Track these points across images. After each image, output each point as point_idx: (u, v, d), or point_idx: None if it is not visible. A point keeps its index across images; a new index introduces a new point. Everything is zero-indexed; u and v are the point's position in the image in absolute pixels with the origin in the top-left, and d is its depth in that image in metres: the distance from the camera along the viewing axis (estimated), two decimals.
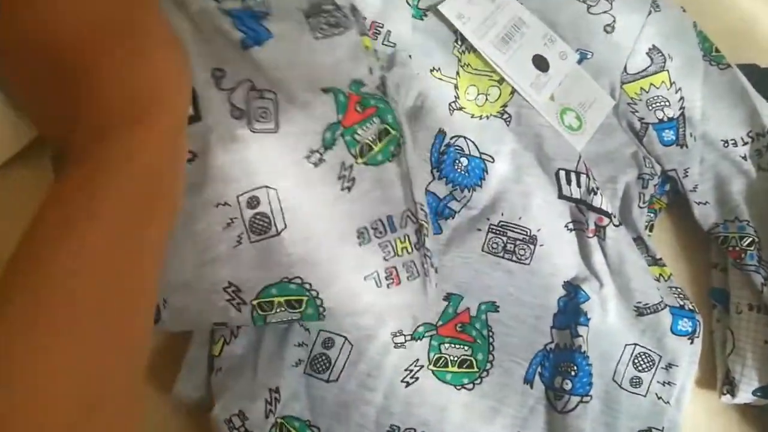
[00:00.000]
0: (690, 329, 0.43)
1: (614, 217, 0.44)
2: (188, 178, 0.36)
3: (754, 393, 0.42)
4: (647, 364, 0.44)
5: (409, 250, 0.39)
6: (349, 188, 0.38)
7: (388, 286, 0.39)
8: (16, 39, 0.29)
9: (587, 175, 0.44)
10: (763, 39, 0.55)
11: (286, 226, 0.37)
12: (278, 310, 0.38)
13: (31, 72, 0.29)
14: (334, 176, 0.38)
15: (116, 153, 0.27)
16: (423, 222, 0.38)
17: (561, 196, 0.45)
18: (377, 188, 0.38)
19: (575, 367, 0.42)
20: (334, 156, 0.38)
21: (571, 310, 0.44)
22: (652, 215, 0.47)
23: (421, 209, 0.38)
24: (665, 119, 0.47)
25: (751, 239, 0.44)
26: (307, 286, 0.38)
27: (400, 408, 0.41)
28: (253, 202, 0.37)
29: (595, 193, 0.44)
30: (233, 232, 0.37)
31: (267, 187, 0.37)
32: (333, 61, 0.39)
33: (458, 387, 0.42)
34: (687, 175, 0.46)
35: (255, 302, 0.37)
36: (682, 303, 0.44)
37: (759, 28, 0.56)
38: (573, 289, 0.44)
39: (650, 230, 0.47)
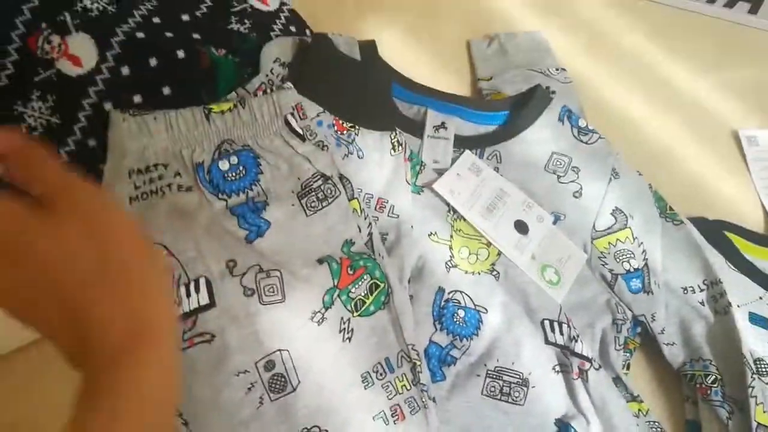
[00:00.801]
0: None
1: (594, 361, 0.50)
2: (209, 356, 0.43)
3: None
4: None
5: (408, 387, 0.45)
6: (349, 339, 0.45)
7: (395, 422, 0.45)
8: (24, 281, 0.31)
9: (568, 325, 0.51)
10: (709, 196, 0.64)
11: (300, 382, 0.44)
12: None
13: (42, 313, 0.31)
14: (335, 331, 0.46)
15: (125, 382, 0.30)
16: (416, 360, 0.45)
17: (547, 342, 0.51)
18: (373, 336, 0.46)
19: None
20: (333, 314, 0.46)
21: None
22: (627, 355, 0.53)
23: (413, 349, 0.45)
24: (632, 270, 0.54)
25: (714, 377, 0.50)
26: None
27: None
28: (270, 365, 0.44)
29: (576, 341, 0.50)
30: (255, 395, 0.43)
31: (280, 350, 0.44)
32: (325, 228, 0.48)
33: None
34: (654, 320, 0.53)
35: None
36: None
37: (705, 185, 0.64)
38: (564, 426, 0.49)
39: (627, 369, 0.53)
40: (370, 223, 0.49)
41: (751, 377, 0.48)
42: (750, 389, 0.47)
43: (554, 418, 0.50)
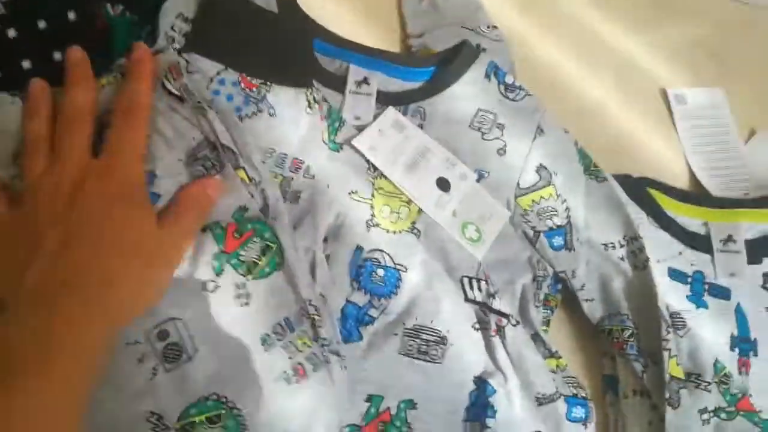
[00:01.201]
0: (583, 415, 0.49)
1: (512, 317, 0.50)
2: None
3: None
4: None
5: (309, 344, 0.44)
6: (247, 303, 0.44)
7: (297, 381, 0.43)
8: None
9: (486, 281, 0.50)
10: (637, 153, 0.64)
11: (197, 350, 0.42)
12: (200, 430, 0.42)
13: None
14: (230, 297, 0.44)
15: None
16: (314, 315, 0.44)
17: (467, 299, 0.51)
18: (272, 297, 0.44)
19: None
20: (226, 280, 0.44)
21: (480, 404, 0.49)
22: (548, 312, 0.53)
23: (310, 304, 0.44)
24: (554, 227, 0.54)
25: (630, 331, 0.50)
26: (224, 400, 0.42)
27: None
28: (163, 335, 0.42)
29: (494, 297, 0.50)
30: (147, 365, 0.42)
31: (173, 318, 0.42)
32: None
33: None
34: (575, 276, 0.53)
35: (177, 425, 0.41)
36: (575, 392, 0.50)
37: (633, 143, 0.64)
38: (482, 384, 0.49)
39: (547, 325, 0.53)
40: (262, 189, 0.47)
41: (666, 330, 0.48)
42: (664, 342, 0.48)
43: (473, 375, 0.50)
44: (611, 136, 0.65)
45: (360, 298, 0.50)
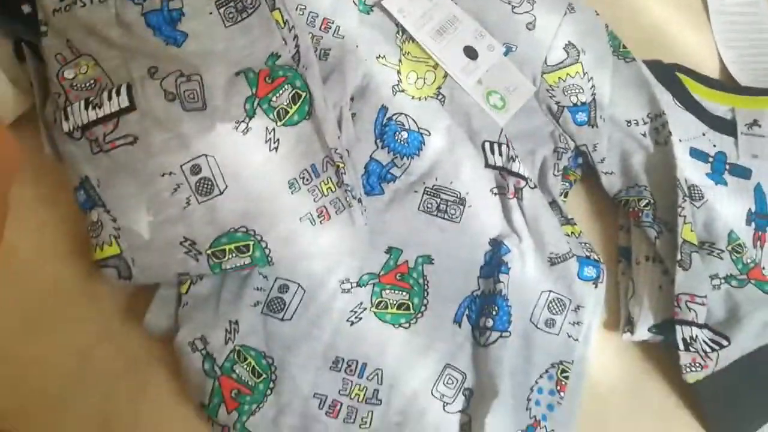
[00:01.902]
0: (594, 275, 0.50)
1: (530, 180, 0.51)
2: (132, 157, 0.44)
3: (649, 330, 0.49)
4: (559, 308, 0.50)
5: (333, 189, 0.46)
6: (276, 148, 0.46)
7: (321, 222, 0.46)
8: None
9: (507, 146, 0.51)
10: (669, 43, 0.63)
11: (227, 186, 0.44)
12: (230, 257, 0.45)
13: None
14: (261, 140, 0.45)
15: None
16: (339, 163, 0.46)
17: (487, 165, 0.52)
18: (299, 144, 0.46)
19: (497, 308, 0.49)
20: (257, 123, 0.45)
21: (494, 263, 0.50)
22: (567, 185, 0.54)
23: (335, 152, 0.46)
24: (579, 103, 0.55)
25: (647, 201, 0.51)
26: (252, 233, 0.45)
27: (345, 343, 0.48)
28: (196, 169, 0.45)
29: (514, 160, 0.51)
30: (181, 195, 0.44)
31: (205, 155, 0.44)
32: (248, 41, 0.47)
33: (396, 326, 0.48)
34: (596, 150, 0.53)
35: (209, 251, 0.44)
36: (588, 254, 0.51)
37: (667, 31, 0.64)
38: (497, 245, 0.51)
39: (565, 196, 0.54)
40: (296, 36, 0.48)
41: (683, 199, 0.49)
42: (680, 209, 0.49)
43: (488, 237, 0.51)
44: (646, 26, 0.64)
45: (383, 156, 0.51)
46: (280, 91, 0.47)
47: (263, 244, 0.45)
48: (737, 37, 0.63)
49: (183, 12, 0.46)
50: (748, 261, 0.48)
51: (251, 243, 0.45)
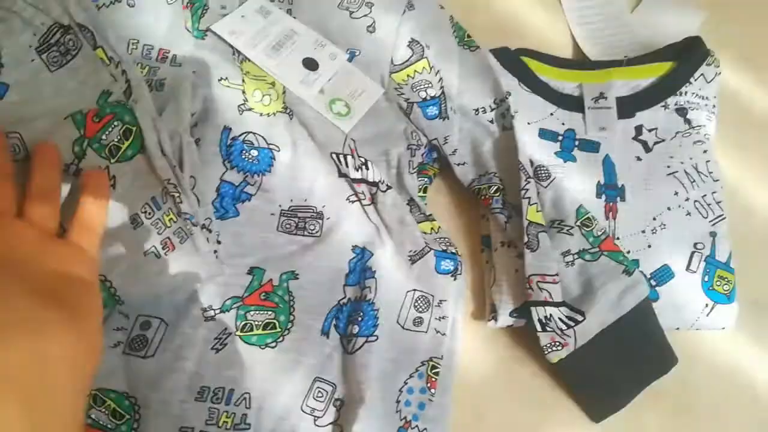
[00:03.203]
0: (452, 268, 0.51)
1: (382, 183, 0.51)
2: None
3: (511, 315, 0.49)
4: (425, 305, 0.51)
5: (174, 219, 0.46)
6: (113, 185, 0.45)
7: (166, 254, 0.45)
8: None
9: (352, 155, 0.51)
10: (522, 24, 0.64)
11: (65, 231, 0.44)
12: None
13: None
14: None
15: None
16: (174, 193, 0.45)
17: (340, 174, 0.52)
18: (137, 179, 0.46)
19: (362, 314, 0.49)
20: (88, 164, 0.45)
21: (360, 269, 0.51)
22: (426, 180, 0.55)
23: (169, 183, 0.45)
24: (429, 98, 0.55)
25: (496, 187, 0.51)
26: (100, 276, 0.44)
27: (210, 372, 0.47)
28: None
29: (362, 168, 0.51)
30: None
31: None
32: (77, 82, 0.46)
33: (263, 347, 0.48)
34: (447, 142, 0.54)
35: None
36: (445, 248, 0.51)
37: (520, 15, 0.65)
38: (360, 251, 0.51)
39: (424, 192, 0.54)
40: (124, 71, 0.48)
41: (526, 180, 0.49)
42: (524, 191, 0.49)
43: (351, 245, 0.51)
44: (499, 12, 0.65)
45: (234, 177, 0.51)
46: (110, 129, 0.46)
47: (107, 284, 0.45)
48: (588, 13, 0.65)
49: (1, 63, 0.46)
50: (599, 233, 0.49)
51: None
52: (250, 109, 0.53)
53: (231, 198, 0.51)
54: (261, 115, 0.53)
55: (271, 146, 0.52)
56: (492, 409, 0.49)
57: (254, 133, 0.52)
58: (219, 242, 0.49)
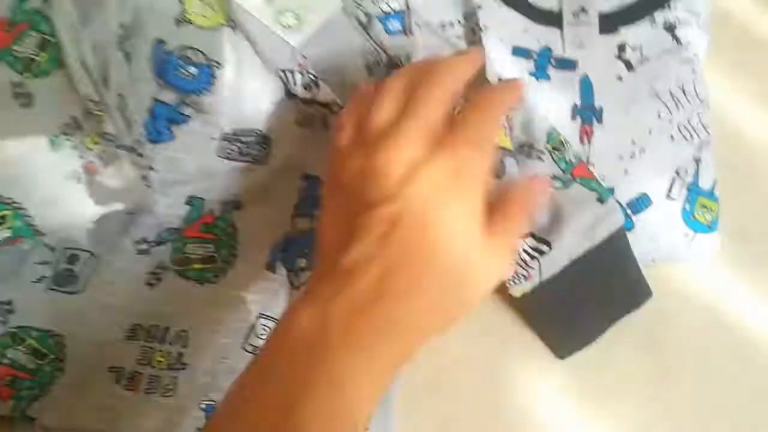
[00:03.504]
0: None
1: (335, 105, 0.46)
2: None
3: None
4: None
5: (98, 141, 0.41)
6: (27, 104, 0.40)
7: (88, 179, 0.41)
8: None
9: (301, 72, 0.46)
10: None
11: None
12: None
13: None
14: (7, 97, 0.40)
15: None
16: (96, 111, 0.40)
17: (289, 94, 0.47)
18: (56, 96, 0.41)
19: (310, 246, 0.45)
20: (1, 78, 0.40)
21: (310, 199, 0.46)
22: None
23: (90, 100, 0.40)
24: (391, 11, 0.49)
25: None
26: (9, 201, 0.40)
27: (144, 309, 0.43)
28: None
29: (312, 87, 0.45)
30: None
31: None
32: None
33: (202, 282, 0.44)
34: (409, 61, 0.48)
35: None
36: None
37: None
38: (311, 179, 0.47)
39: None
40: None
41: None
42: None
43: (302, 172, 0.47)
44: None
45: (170, 96, 0.46)
46: (24, 39, 0.41)
47: (22, 212, 0.40)
48: None
49: None
50: (572, 158, 0.45)
51: (8, 213, 0.40)
52: (188, 21, 0.47)
53: (165, 119, 0.46)
54: (202, 28, 0.47)
55: (211, 62, 0.47)
56: (455, 345, 0.46)
57: (193, 48, 0.47)
58: (151, 168, 0.44)
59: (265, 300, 0.44)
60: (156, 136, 0.45)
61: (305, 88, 0.46)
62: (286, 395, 0.28)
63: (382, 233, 0.30)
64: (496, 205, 0.33)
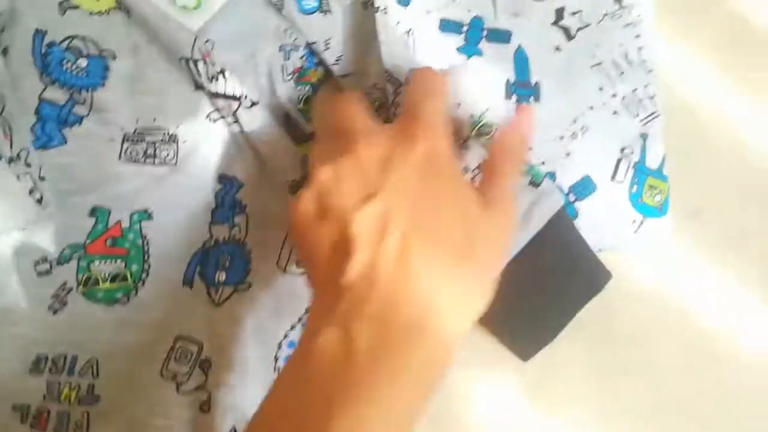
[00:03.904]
0: None
1: (245, 98, 0.41)
2: None
3: None
4: None
5: None
6: None
7: None
8: None
9: (205, 62, 0.41)
10: None
11: None
12: None
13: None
14: None
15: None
16: None
17: (197, 87, 0.42)
18: None
19: (230, 258, 0.41)
20: None
21: (229, 203, 0.42)
22: (307, 88, 0.44)
23: None
24: None
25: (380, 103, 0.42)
26: None
27: (48, 337, 0.39)
28: None
29: (218, 78, 0.41)
30: None
31: None
32: None
33: (111, 303, 0.40)
34: (328, 47, 0.44)
35: None
36: None
37: None
38: (228, 181, 0.42)
39: (305, 104, 0.44)
40: None
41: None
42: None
43: (216, 173, 0.42)
44: None
45: (58, 95, 0.41)
46: None
47: None
48: None
49: None
50: None
51: None
52: (74, 7, 0.42)
53: (55, 121, 0.41)
54: (90, 13, 0.42)
55: (104, 53, 0.42)
56: None
57: (81, 38, 0.41)
58: (42, 178, 0.39)
59: (183, 319, 0.40)
60: (46, 141, 0.40)
61: (210, 80, 0.41)
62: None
63: (376, 233, 0.29)
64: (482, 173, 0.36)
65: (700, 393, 0.44)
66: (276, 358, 0.40)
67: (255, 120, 0.41)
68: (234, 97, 0.41)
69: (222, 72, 0.41)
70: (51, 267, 0.40)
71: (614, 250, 0.43)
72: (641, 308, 0.44)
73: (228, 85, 0.41)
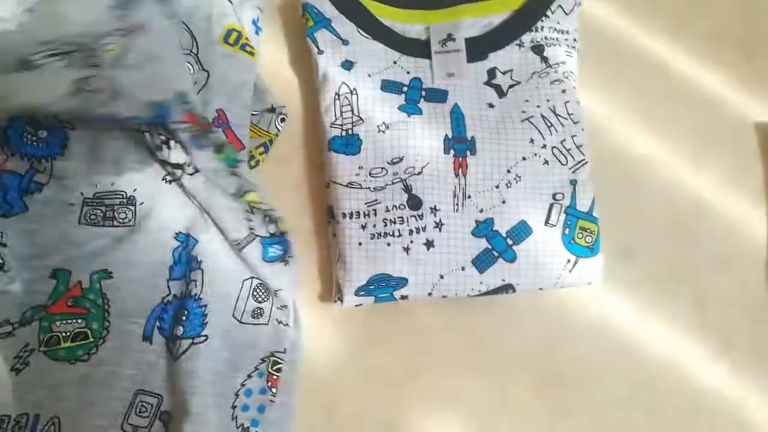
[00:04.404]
0: (280, 252, 0.45)
1: (188, 166, 0.43)
2: None
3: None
4: (265, 294, 0.45)
5: None
6: None
7: None
8: None
9: (150, 132, 0.43)
10: None
11: None
12: None
13: None
14: None
15: None
16: None
17: (152, 152, 0.44)
18: None
19: (186, 312, 0.42)
20: None
21: (185, 259, 0.44)
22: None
23: None
24: None
25: None
26: None
27: (10, 397, 0.40)
28: None
29: (166, 148, 0.43)
30: None
31: None
32: None
33: (72, 361, 0.41)
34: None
35: None
36: (272, 232, 0.45)
37: None
38: (185, 238, 0.44)
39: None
40: None
41: None
42: None
43: (174, 232, 0.44)
44: None
45: (19, 165, 0.43)
46: None
47: None
48: None
49: None
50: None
51: None
52: None
53: (17, 190, 0.43)
54: None
55: (64, 123, 0.44)
56: (344, 402, 0.44)
57: None
58: (4, 245, 0.41)
59: (143, 374, 0.42)
60: (7, 210, 0.42)
61: (156, 149, 0.43)
62: None
63: None
64: None
65: (645, 421, 0.46)
66: (233, 407, 0.42)
67: (197, 186, 0.44)
68: (178, 165, 0.43)
69: (167, 141, 0.43)
70: (13, 329, 0.41)
71: (554, 290, 0.46)
72: (581, 344, 0.46)
73: (172, 154, 0.43)
